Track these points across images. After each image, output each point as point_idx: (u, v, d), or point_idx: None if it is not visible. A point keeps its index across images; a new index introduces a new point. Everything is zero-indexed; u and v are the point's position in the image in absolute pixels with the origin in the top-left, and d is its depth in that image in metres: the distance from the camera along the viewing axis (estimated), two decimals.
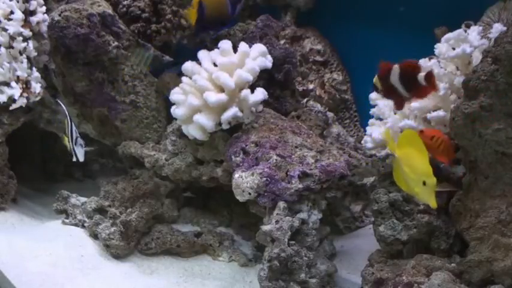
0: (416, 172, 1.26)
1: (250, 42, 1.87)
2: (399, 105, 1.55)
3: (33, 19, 1.99)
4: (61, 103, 1.87)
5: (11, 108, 1.91)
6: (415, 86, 1.46)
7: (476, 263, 1.40)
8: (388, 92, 1.51)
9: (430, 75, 1.45)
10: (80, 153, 1.74)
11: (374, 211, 1.62)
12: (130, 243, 1.80)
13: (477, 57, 1.54)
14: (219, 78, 1.71)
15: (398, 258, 1.57)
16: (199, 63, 1.81)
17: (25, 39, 1.94)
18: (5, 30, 1.90)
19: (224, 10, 1.80)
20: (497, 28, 1.53)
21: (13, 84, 1.90)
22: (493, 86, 1.36)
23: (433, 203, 1.24)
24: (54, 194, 1.96)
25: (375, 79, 1.51)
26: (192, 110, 1.77)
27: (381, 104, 1.75)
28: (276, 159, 1.63)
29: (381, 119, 1.77)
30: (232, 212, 2.02)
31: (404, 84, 1.47)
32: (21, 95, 1.91)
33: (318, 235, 1.62)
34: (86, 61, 1.91)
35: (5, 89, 1.90)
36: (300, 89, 2.25)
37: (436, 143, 1.45)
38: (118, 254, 1.79)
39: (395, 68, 1.47)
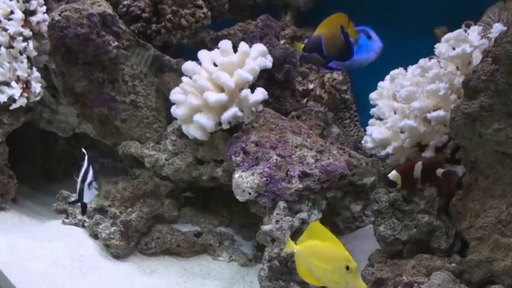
0: (332, 261, 1.18)
1: (251, 42, 1.87)
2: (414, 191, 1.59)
3: (33, 19, 1.98)
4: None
5: (11, 108, 1.91)
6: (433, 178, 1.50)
7: (476, 263, 1.40)
8: (411, 186, 1.54)
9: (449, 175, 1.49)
10: (88, 196, 1.59)
11: (374, 211, 1.62)
12: (130, 243, 1.80)
13: (477, 57, 1.54)
14: (219, 78, 1.71)
15: (398, 258, 1.57)
16: (200, 63, 1.81)
17: (25, 39, 1.94)
18: (5, 30, 1.90)
19: (340, 44, 1.78)
20: (497, 28, 1.52)
21: (13, 84, 1.90)
22: (493, 86, 1.36)
23: (361, 285, 1.16)
24: (54, 194, 1.96)
25: (393, 175, 1.50)
26: (192, 110, 1.77)
27: (381, 104, 1.75)
28: (276, 159, 1.62)
29: (381, 119, 1.77)
30: (232, 212, 2.01)
31: (424, 178, 1.51)
32: (21, 95, 1.91)
33: None
34: (86, 61, 1.91)
35: (5, 88, 1.90)
36: (300, 89, 2.25)
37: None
38: (118, 254, 1.79)
39: (418, 165, 1.50)
